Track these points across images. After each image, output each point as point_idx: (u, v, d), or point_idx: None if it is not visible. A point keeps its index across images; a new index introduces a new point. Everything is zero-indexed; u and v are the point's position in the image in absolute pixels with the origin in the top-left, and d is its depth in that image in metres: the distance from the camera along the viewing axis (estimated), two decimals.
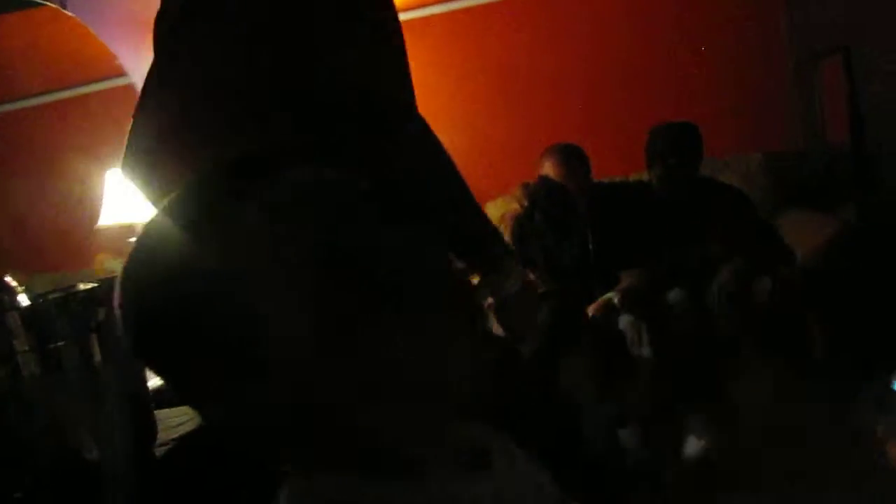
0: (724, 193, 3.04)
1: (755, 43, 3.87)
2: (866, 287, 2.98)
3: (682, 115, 3.25)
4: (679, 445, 2.83)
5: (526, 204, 2.31)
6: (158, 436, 1.60)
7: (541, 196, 2.35)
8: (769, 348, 2.82)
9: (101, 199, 3.01)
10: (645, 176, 3.47)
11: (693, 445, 2.82)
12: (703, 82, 3.87)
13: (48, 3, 2.67)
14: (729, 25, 3.86)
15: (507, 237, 2.28)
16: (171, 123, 0.99)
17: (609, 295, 2.74)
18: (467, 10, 4.01)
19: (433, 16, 3.98)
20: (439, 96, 3.55)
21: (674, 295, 2.84)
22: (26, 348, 1.46)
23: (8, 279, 1.73)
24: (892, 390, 1.42)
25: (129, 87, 2.81)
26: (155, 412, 1.66)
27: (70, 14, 2.69)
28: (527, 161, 3.08)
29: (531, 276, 2.18)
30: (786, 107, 3.89)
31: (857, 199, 3.30)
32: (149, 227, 0.60)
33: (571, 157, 2.88)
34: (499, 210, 3.48)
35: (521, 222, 2.53)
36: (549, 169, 2.82)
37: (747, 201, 3.05)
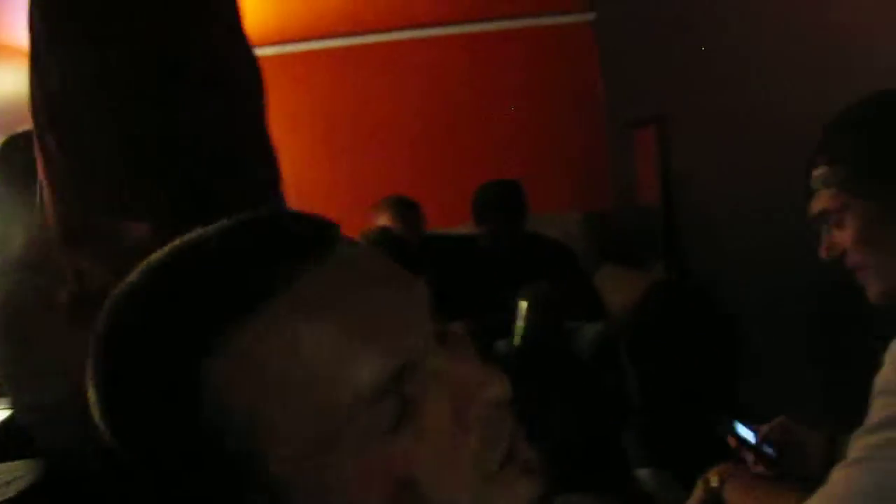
0: (550, 248, 3.15)
1: (575, 108, 4.10)
2: (675, 339, 3.17)
3: (506, 173, 3.36)
4: None
5: None
6: None
7: (380, 246, 2.33)
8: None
9: None
10: (470, 228, 3.58)
11: None
12: (526, 143, 4.04)
13: None
14: (553, 90, 4.07)
15: None
16: None
17: None
18: (298, 55, 3.99)
19: (262, 57, 3.89)
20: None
21: (500, 346, 2.89)
22: None
23: None
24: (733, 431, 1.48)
25: None
26: None
27: None
28: (351, 209, 3.06)
29: None
30: (602, 170, 4.13)
31: (666, 258, 3.52)
32: None
33: (408, 208, 2.90)
34: None
35: None
36: (385, 220, 2.83)
37: (571, 256, 3.17)
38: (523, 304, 2.66)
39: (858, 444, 1.06)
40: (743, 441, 1.46)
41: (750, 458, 1.45)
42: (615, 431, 2.91)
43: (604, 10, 4.04)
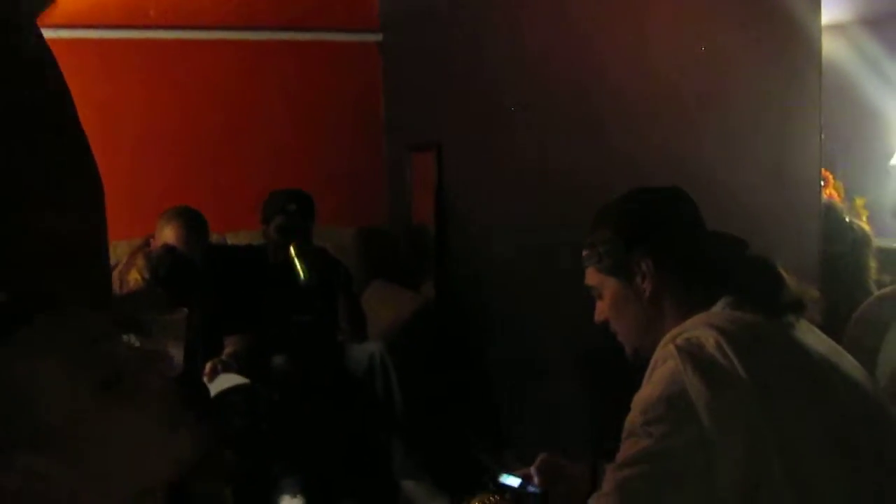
0: (333, 267, 3.21)
1: (356, 126, 4.21)
2: (438, 361, 3.36)
3: (282, 181, 3.40)
4: None
5: (147, 277, 2.20)
6: None
7: (164, 270, 2.26)
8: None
9: None
10: (242, 237, 3.58)
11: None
12: (304, 155, 4.09)
13: None
14: (336, 106, 4.16)
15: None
16: None
17: (217, 359, 2.75)
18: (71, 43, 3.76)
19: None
20: None
21: (277, 360, 2.93)
22: None
23: None
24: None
25: None
26: None
27: None
28: (131, 210, 2.96)
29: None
30: (378, 187, 4.27)
31: (436, 277, 3.71)
32: None
33: (193, 221, 2.84)
34: None
35: (136, 299, 2.40)
36: (170, 234, 2.75)
37: (350, 278, 3.26)
38: (292, 251, 2.93)
39: (610, 478, 1.24)
40: (508, 488, 1.62)
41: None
42: (383, 444, 3.03)
43: (391, 33, 4.17)
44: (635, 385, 1.33)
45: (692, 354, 1.20)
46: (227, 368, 2.73)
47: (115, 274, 2.45)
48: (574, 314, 2.09)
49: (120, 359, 0.69)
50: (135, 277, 2.18)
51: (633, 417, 1.23)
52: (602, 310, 1.46)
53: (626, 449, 1.22)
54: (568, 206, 2.57)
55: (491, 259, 3.27)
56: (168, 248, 2.43)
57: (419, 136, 3.86)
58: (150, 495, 0.71)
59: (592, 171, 2.51)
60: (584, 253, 1.47)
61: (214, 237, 3.72)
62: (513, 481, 1.63)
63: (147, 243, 2.75)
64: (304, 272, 2.89)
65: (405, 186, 4.01)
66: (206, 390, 2.45)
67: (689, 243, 1.42)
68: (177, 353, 2.42)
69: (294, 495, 2.91)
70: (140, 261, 2.21)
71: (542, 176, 2.83)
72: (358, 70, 4.22)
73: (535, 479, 1.59)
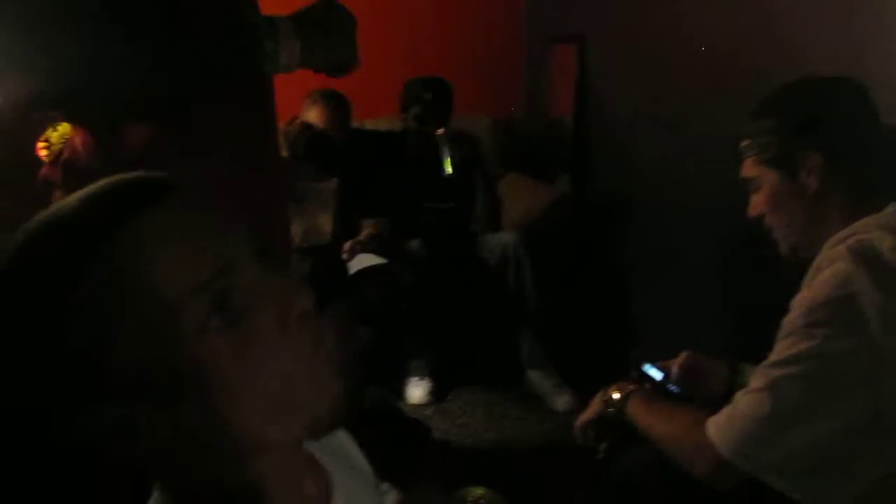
0: (475, 157, 3.22)
1: (497, 20, 4.11)
2: (573, 255, 3.33)
3: (420, 70, 3.41)
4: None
5: (286, 154, 2.28)
6: None
7: (301, 146, 2.32)
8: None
9: None
10: (381, 124, 3.61)
11: (416, 386, 2.99)
12: (443, 42, 4.03)
13: None
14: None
15: None
16: None
17: (355, 240, 2.82)
18: None
19: None
20: None
21: (412, 245, 2.98)
22: None
23: None
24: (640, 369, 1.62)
25: None
26: None
27: None
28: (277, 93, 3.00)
29: None
30: (517, 79, 4.18)
31: (572, 171, 3.65)
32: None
33: (335, 103, 2.89)
34: None
35: None
36: (314, 115, 2.81)
37: (491, 173, 3.27)
38: (443, 138, 2.83)
39: (763, 374, 1.21)
40: (649, 379, 1.61)
41: None
42: (512, 334, 3.07)
43: None
44: (781, 287, 1.28)
45: (866, 257, 1.14)
46: (364, 249, 2.80)
47: None
48: (718, 213, 2.04)
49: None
50: None
51: (794, 318, 1.19)
52: (757, 203, 1.39)
53: (784, 348, 1.19)
54: (721, 99, 2.46)
55: (631, 154, 3.19)
56: (305, 126, 2.47)
57: (561, 27, 3.74)
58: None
59: (752, 58, 2.36)
60: (743, 143, 1.39)
61: (354, 123, 3.77)
62: (655, 373, 1.63)
63: (290, 123, 2.81)
64: (448, 166, 2.89)
65: (544, 78, 3.92)
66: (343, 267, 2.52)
67: (864, 139, 1.31)
68: (326, 221, 2.50)
69: (421, 377, 3.01)
70: (279, 139, 2.27)
71: (691, 67, 2.70)
72: None
73: (676, 376, 1.58)
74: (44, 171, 0.99)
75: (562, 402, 2.91)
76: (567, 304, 3.15)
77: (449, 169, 2.88)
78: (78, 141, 0.97)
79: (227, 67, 0.96)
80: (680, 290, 2.82)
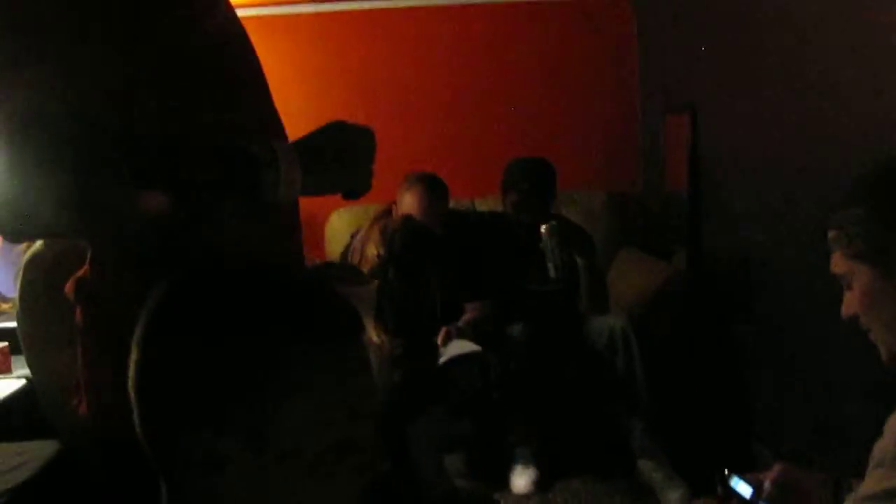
0: (578, 238, 3.11)
1: (610, 91, 4.04)
2: (690, 338, 3.15)
3: (533, 148, 3.37)
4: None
5: (382, 253, 2.23)
6: None
7: (397, 247, 2.26)
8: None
9: None
10: (490, 203, 3.58)
11: (520, 475, 2.88)
12: (555, 118, 3.99)
13: None
14: (587, 67, 4.01)
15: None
16: None
17: (452, 325, 2.78)
18: (334, 14, 3.94)
19: (300, 14, 3.89)
20: (297, 96, 3.45)
21: (514, 329, 2.90)
22: None
23: None
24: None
25: None
26: None
27: None
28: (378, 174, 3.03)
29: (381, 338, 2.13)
30: (631, 151, 4.08)
31: (688, 247, 3.49)
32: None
33: (434, 189, 2.88)
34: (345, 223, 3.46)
35: (374, 275, 2.44)
36: (410, 200, 2.81)
37: (593, 248, 3.15)
38: (547, 241, 2.82)
39: None
40: (738, 496, 1.46)
41: None
42: (622, 421, 2.93)
43: None
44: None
45: None
46: (461, 335, 2.75)
47: (356, 243, 2.54)
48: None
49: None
50: (372, 253, 2.22)
51: (886, 445, 1.04)
52: (851, 303, 1.22)
53: (874, 481, 1.04)
54: (835, 178, 2.27)
55: (750, 231, 3.01)
56: (405, 220, 2.44)
57: (674, 98, 3.62)
58: (351, 452, 0.71)
59: (868, 139, 2.18)
60: (830, 234, 1.23)
61: (464, 203, 3.77)
62: (744, 489, 1.47)
63: (389, 211, 2.82)
64: (554, 267, 2.81)
65: (658, 150, 3.80)
66: (434, 354, 2.45)
67: None
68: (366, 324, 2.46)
69: (527, 465, 2.90)
70: (375, 235, 2.25)
71: (806, 144, 2.53)
72: (610, 29, 4.03)
73: (768, 493, 1.42)
74: (67, 286, 1.02)
75: (675, 496, 2.73)
76: (682, 390, 2.98)
77: (553, 273, 2.80)
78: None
79: (222, 197, 0.95)
80: (807, 376, 2.60)
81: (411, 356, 2.16)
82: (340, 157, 1.05)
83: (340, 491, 0.71)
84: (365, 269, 2.20)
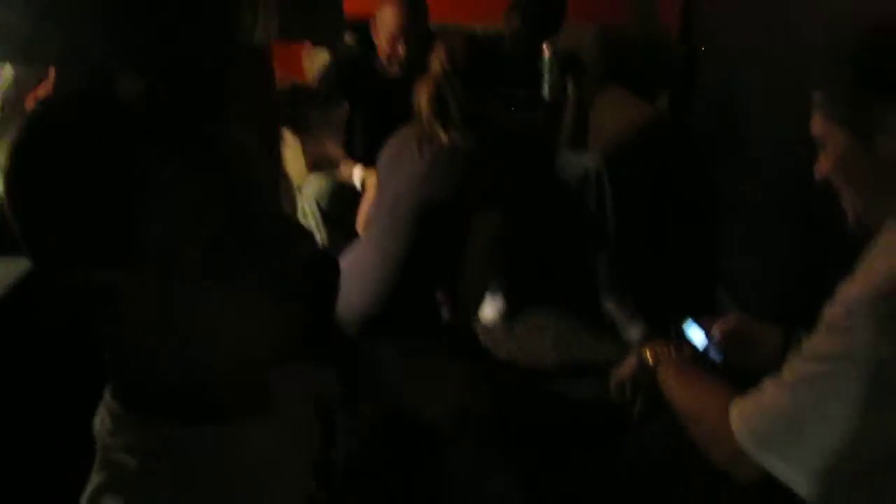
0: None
1: None
2: (659, 184, 3.16)
3: None
4: None
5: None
6: None
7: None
8: None
9: None
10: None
11: (488, 305, 2.95)
12: None
13: None
14: None
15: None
16: None
17: None
18: None
19: None
20: None
21: None
22: None
23: None
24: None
25: None
26: None
27: None
28: None
29: None
30: None
31: (673, 89, 3.44)
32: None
33: (412, 4, 2.81)
34: None
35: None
36: (388, 16, 2.75)
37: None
38: (552, 57, 2.85)
39: (795, 365, 1.11)
40: (689, 342, 1.51)
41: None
42: (590, 258, 2.97)
43: None
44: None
45: None
46: None
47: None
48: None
49: None
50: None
51: (836, 311, 1.06)
52: (823, 166, 1.21)
53: (820, 342, 1.07)
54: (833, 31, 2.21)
55: (740, 77, 2.95)
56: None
57: None
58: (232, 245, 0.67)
59: None
60: (815, 95, 1.20)
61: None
62: (698, 336, 1.53)
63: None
64: (549, 87, 2.80)
65: None
66: None
67: None
68: (334, 148, 2.46)
69: (495, 296, 2.97)
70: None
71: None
72: None
73: (719, 340, 1.48)
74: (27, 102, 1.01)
75: (634, 332, 2.84)
76: (651, 232, 3.02)
77: (546, 93, 2.78)
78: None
79: (203, 36, 0.92)
80: (772, 231, 2.64)
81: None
82: (316, 4, 1.02)
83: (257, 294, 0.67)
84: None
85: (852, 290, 1.06)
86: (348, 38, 3.02)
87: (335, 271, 1.78)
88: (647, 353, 1.44)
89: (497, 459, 2.08)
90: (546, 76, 2.86)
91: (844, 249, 1.19)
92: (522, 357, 2.80)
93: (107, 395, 0.73)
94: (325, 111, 2.31)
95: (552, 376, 2.72)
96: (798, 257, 2.39)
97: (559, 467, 2.15)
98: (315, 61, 2.87)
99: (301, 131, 2.52)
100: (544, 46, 2.86)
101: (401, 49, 2.77)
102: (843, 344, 1.03)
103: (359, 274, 2.20)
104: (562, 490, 2.05)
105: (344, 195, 2.76)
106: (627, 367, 1.50)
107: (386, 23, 2.79)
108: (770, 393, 1.12)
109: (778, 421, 1.09)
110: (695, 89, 3.35)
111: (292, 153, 2.65)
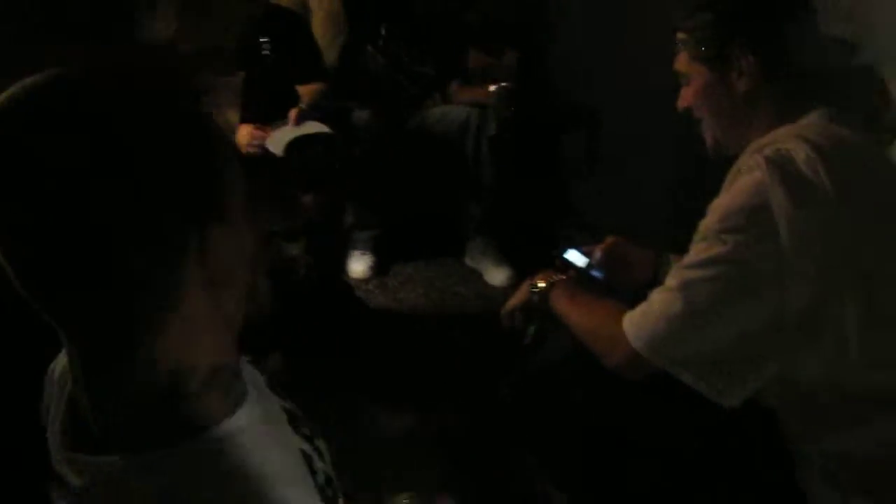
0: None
1: None
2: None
3: None
4: None
5: None
6: None
7: None
8: None
9: None
10: None
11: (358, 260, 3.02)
12: None
13: None
14: None
15: None
16: None
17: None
18: None
19: None
20: None
21: (359, 114, 2.90)
22: None
23: None
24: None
25: None
26: None
27: None
28: None
29: None
30: None
31: (521, 46, 3.56)
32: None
33: None
34: None
35: None
36: None
37: None
38: None
39: (677, 274, 1.26)
40: (573, 266, 1.65)
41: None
42: (460, 206, 3.07)
43: None
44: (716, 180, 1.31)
45: (781, 167, 1.16)
46: (306, 117, 2.70)
47: None
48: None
49: None
50: None
51: (709, 223, 1.23)
52: (686, 96, 1.40)
53: (698, 252, 1.23)
54: None
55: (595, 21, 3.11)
56: None
57: None
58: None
59: None
60: (679, 36, 1.39)
61: None
62: (578, 259, 1.66)
63: None
64: None
65: None
66: None
67: (799, 45, 1.31)
68: (233, 115, 2.47)
69: (364, 251, 3.02)
70: None
71: None
72: None
73: (599, 260, 1.63)
74: None
75: (499, 277, 2.96)
76: (519, 184, 3.17)
77: None
78: None
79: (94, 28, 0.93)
80: (635, 179, 2.83)
81: None
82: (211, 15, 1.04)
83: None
84: None
85: (722, 202, 1.23)
86: None
87: None
88: (539, 280, 1.56)
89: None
90: None
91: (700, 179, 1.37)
92: (397, 310, 2.88)
93: None
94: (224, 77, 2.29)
95: (429, 322, 2.82)
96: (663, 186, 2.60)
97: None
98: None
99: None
100: None
101: None
102: (719, 250, 1.19)
103: None
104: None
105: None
106: (518, 296, 1.62)
107: None
108: (658, 301, 1.27)
109: (667, 324, 1.23)
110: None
111: None
